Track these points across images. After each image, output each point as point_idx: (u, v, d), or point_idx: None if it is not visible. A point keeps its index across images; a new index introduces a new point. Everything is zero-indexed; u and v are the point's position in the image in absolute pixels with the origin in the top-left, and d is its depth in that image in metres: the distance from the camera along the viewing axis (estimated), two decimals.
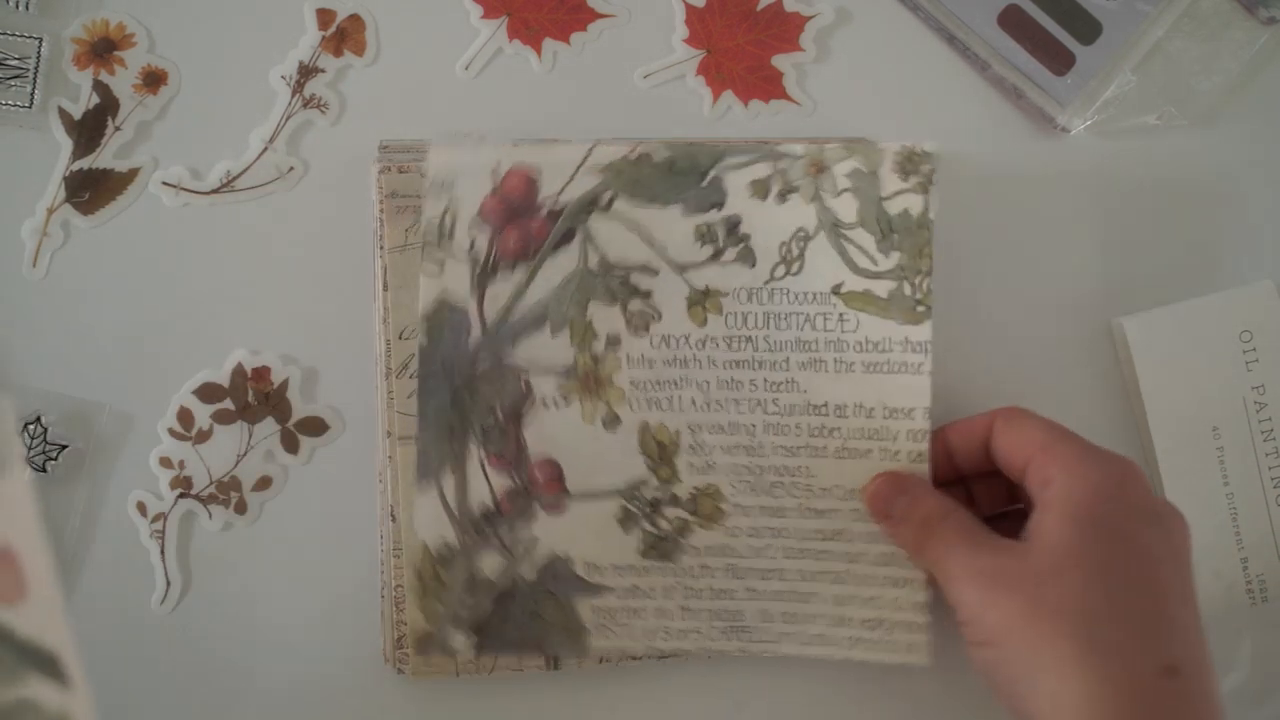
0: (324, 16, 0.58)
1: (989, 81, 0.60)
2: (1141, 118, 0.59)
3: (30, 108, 0.56)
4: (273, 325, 0.57)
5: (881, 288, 0.54)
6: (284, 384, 0.57)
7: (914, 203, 0.53)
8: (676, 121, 0.59)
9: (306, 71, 0.58)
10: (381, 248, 0.55)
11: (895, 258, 0.53)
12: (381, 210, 0.55)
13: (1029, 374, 0.59)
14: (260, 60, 0.58)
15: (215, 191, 0.58)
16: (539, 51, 0.59)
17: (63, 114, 0.57)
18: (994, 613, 0.46)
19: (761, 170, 0.54)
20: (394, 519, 0.55)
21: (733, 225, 0.54)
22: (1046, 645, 0.45)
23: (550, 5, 0.59)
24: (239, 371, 0.57)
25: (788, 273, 0.54)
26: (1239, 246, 0.60)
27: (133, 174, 0.57)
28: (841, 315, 0.54)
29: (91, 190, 0.57)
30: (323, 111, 0.58)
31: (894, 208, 0.53)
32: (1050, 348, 0.59)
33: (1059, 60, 0.59)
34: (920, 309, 0.53)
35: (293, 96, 0.58)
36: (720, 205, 0.54)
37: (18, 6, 0.57)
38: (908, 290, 0.53)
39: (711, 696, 0.57)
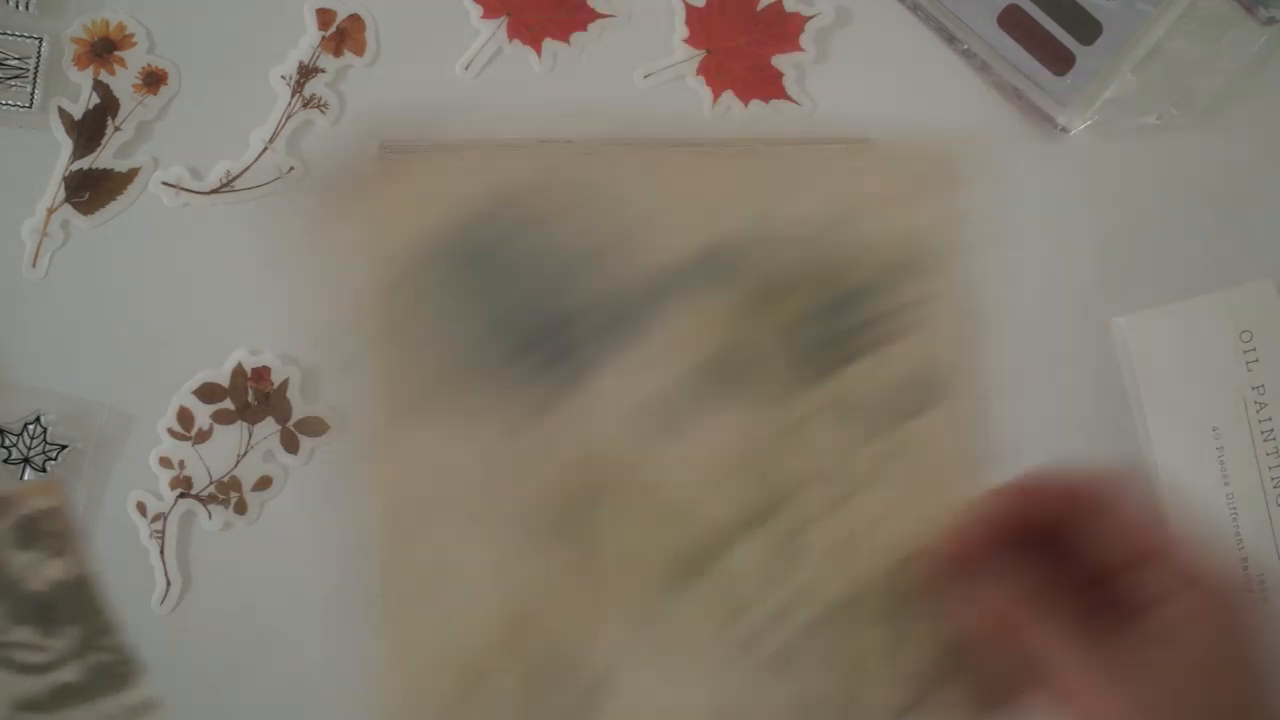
0: (324, 16, 0.58)
1: (989, 82, 0.60)
2: (1141, 118, 0.59)
3: (30, 108, 0.56)
4: (273, 325, 0.57)
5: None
6: (284, 384, 0.57)
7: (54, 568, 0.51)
8: (677, 122, 0.59)
9: (306, 71, 0.58)
10: None
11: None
12: None
13: (1029, 374, 0.59)
14: (260, 60, 0.58)
15: (215, 191, 0.58)
16: (539, 51, 0.59)
17: (63, 114, 0.57)
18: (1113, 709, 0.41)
19: None
20: None
21: None
22: None
23: (550, 5, 0.59)
24: (239, 371, 0.57)
25: None
26: (1239, 246, 0.60)
27: (133, 174, 0.57)
28: None
29: (91, 190, 0.57)
30: (323, 111, 0.58)
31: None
32: (1050, 348, 0.59)
33: (1059, 60, 0.59)
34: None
35: (293, 96, 0.58)
36: None
37: (18, 6, 0.57)
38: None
39: None
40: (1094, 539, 0.44)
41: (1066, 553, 0.44)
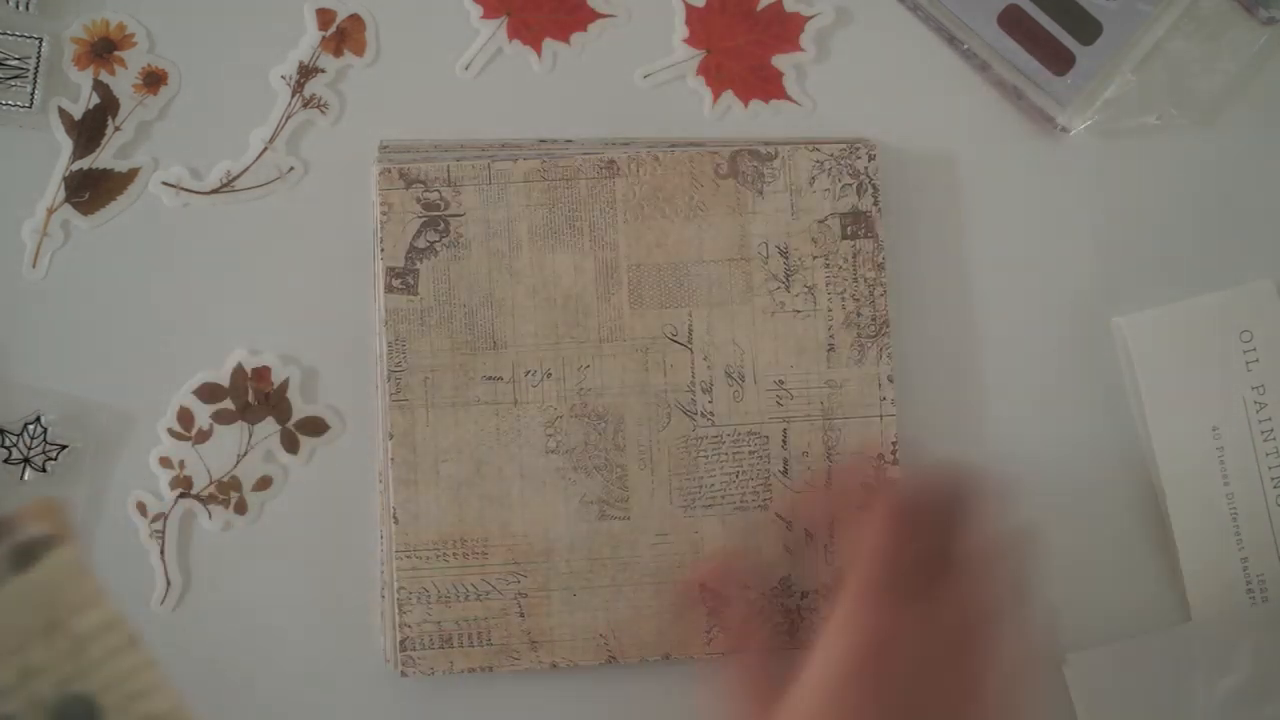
0: (324, 16, 0.58)
1: (989, 81, 0.60)
2: (1141, 118, 0.59)
3: (30, 108, 0.56)
4: (273, 325, 0.57)
5: None
6: (284, 384, 0.57)
7: None
8: (676, 122, 0.59)
9: (306, 71, 0.58)
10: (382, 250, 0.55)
11: None
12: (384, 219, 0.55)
13: (1029, 374, 0.59)
14: (260, 60, 0.58)
15: (215, 191, 0.58)
16: (539, 51, 0.59)
17: (63, 114, 0.57)
18: None
19: None
20: (396, 520, 0.55)
21: None
22: None
23: (550, 5, 0.59)
24: (239, 371, 0.57)
25: None
26: (1239, 246, 0.60)
27: (133, 174, 0.57)
28: None
29: (91, 190, 0.57)
30: (323, 111, 0.58)
31: None
32: (1050, 348, 0.59)
33: (1059, 60, 0.59)
34: None
35: (293, 96, 0.58)
36: None
37: (18, 6, 0.57)
38: None
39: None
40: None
41: None
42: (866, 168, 0.56)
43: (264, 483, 0.57)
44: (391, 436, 0.55)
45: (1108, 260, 0.59)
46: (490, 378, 0.55)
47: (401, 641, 0.55)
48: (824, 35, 0.59)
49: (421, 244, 0.55)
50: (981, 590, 0.49)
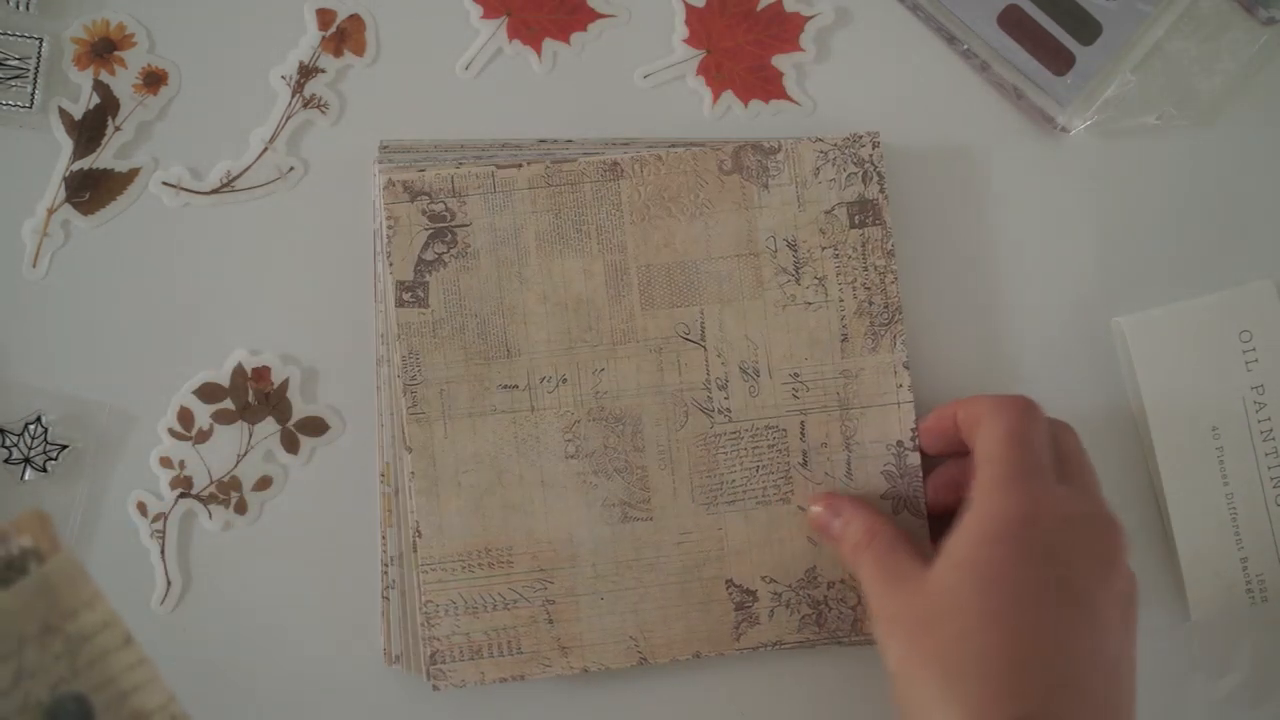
0: (324, 16, 0.58)
1: (989, 81, 0.60)
2: (1141, 118, 0.59)
3: (30, 108, 0.56)
4: (273, 325, 0.57)
5: None
6: (284, 384, 0.57)
7: None
8: (676, 122, 0.59)
9: (306, 71, 0.58)
10: (390, 263, 0.55)
11: None
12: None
13: (1029, 374, 0.59)
14: (260, 60, 0.58)
15: (215, 191, 0.58)
16: (539, 51, 0.59)
17: (63, 114, 0.57)
18: (887, 654, 0.49)
19: None
20: (419, 535, 0.55)
21: None
22: (917, 689, 0.47)
23: (550, 5, 0.59)
24: (239, 371, 0.57)
25: None
26: (1239, 246, 0.60)
27: (133, 174, 0.57)
28: None
29: (92, 190, 0.57)
30: (323, 111, 0.58)
31: None
32: (1050, 348, 0.59)
33: (1059, 60, 0.59)
34: None
35: (293, 96, 0.58)
36: None
37: (18, 6, 0.57)
38: None
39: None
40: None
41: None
42: (871, 155, 0.56)
43: (264, 483, 0.57)
44: (410, 450, 0.55)
45: (1108, 260, 0.59)
46: (506, 386, 0.55)
47: (431, 655, 0.55)
48: (824, 35, 0.59)
49: (430, 256, 0.55)
50: (1098, 486, 0.52)
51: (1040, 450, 0.50)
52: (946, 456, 0.56)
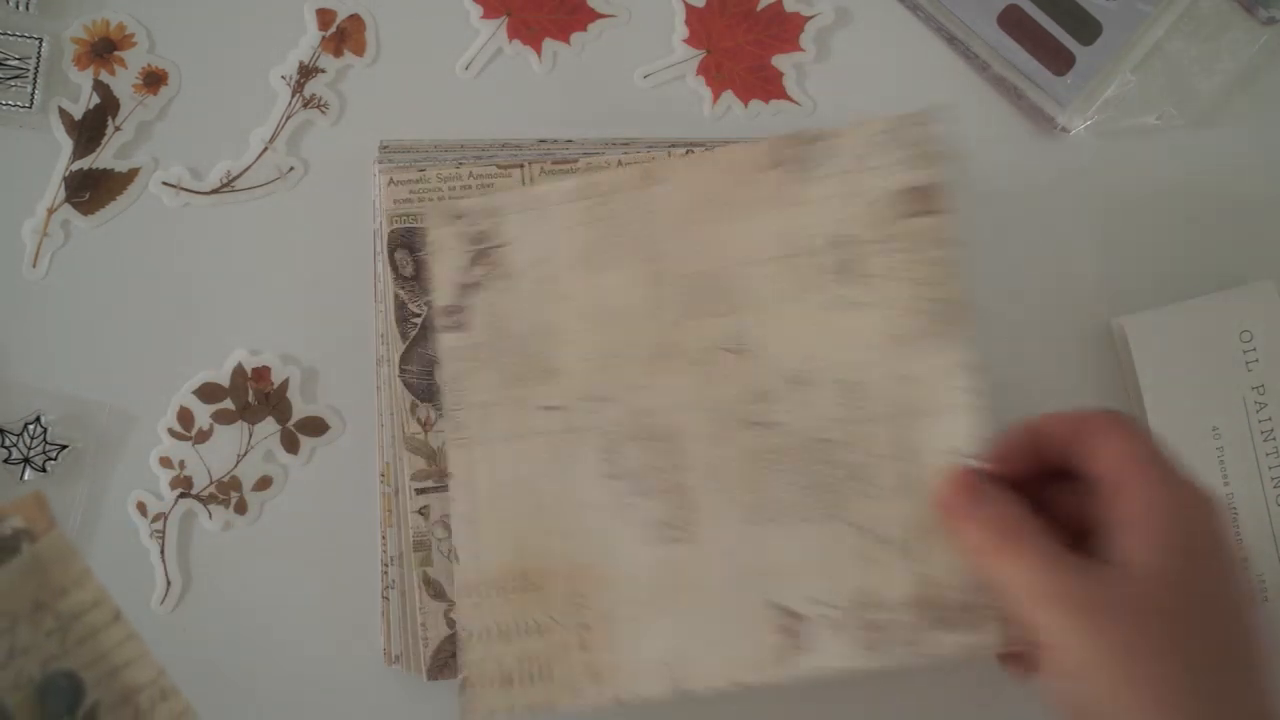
0: (324, 16, 0.58)
1: (989, 81, 0.60)
2: (1141, 118, 0.59)
3: (30, 108, 0.57)
4: (273, 325, 0.57)
5: None
6: (284, 384, 0.57)
7: None
8: (676, 121, 0.59)
9: (306, 71, 0.58)
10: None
11: None
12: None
13: (1029, 374, 0.59)
14: (260, 60, 0.58)
15: (215, 191, 0.58)
16: (539, 51, 0.59)
17: (63, 114, 0.57)
18: (1087, 645, 0.43)
19: None
20: (457, 560, 0.53)
21: None
22: (1147, 687, 0.42)
23: (550, 5, 0.59)
24: (239, 371, 0.57)
25: None
26: (1239, 246, 0.60)
27: (133, 174, 0.57)
28: None
29: (91, 190, 0.57)
30: (323, 111, 0.58)
31: None
32: (1050, 348, 0.59)
33: (1059, 60, 0.59)
34: None
35: (293, 96, 0.58)
36: None
37: (18, 6, 0.57)
38: None
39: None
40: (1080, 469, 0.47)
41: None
42: (924, 137, 0.50)
43: (264, 483, 0.57)
44: (452, 476, 0.53)
45: (1108, 260, 0.59)
46: (546, 408, 0.53)
47: (462, 682, 0.52)
48: (824, 35, 0.59)
49: (469, 280, 0.54)
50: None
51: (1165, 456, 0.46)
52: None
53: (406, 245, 0.56)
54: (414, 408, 0.56)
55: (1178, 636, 0.43)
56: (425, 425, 0.56)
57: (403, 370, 0.56)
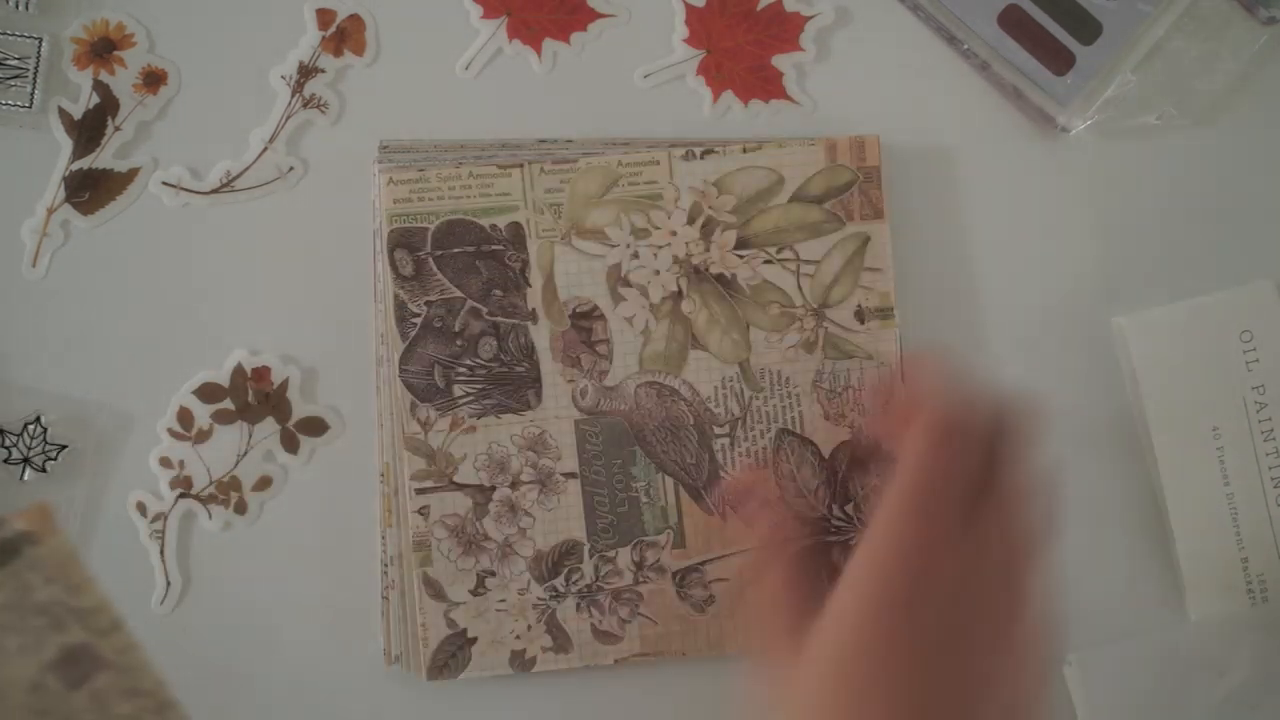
0: (324, 16, 0.58)
1: (989, 81, 0.60)
2: (1141, 118, 0.59)
3: (30, 108, 0.56)
4: (273, 325, 0.57)
5: None
6: (284, 384, 0.57)
7: None
8: (676, 121, 0.59)
9: (306, 71, 0.58)
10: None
11: None
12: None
13: (1029, 374, 0.59)
14: (260, 60, 0.58)
15: (215, 191, 0.58)
16: (539, 51, 0.59)
17: (63, 114, 0.57)
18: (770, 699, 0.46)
19: None
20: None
21: None
22: None
23: (550, 5, 0.59)
24: (239, 371, 0.57)
25: None
26: (1239, 246, 0.60)
27: (133, 174, 0.57)
28: None
29: (91, 190, 0.57)
30: (323, 111, 0.58)
31: None
32: (1050, 348, 0.59)
33: (1059, 60, 0.59)
34: None
35: (293, 96, 0.58)
36: None
37: (18, 6, 0.57)
38: None
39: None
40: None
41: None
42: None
43: (264, 483, 0.57)
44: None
45: (1108, 260, 0.59)
46: None
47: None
48: (824, 35, 0.59)
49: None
50: (1021, 520, 0.45)
51: (948, 487, 0.44)
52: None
53: (406, 245, 0.56)
54: (414, 408, 0.56)
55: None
56: (425, 425, 0.56)
57: (403, 370, 0.56)
